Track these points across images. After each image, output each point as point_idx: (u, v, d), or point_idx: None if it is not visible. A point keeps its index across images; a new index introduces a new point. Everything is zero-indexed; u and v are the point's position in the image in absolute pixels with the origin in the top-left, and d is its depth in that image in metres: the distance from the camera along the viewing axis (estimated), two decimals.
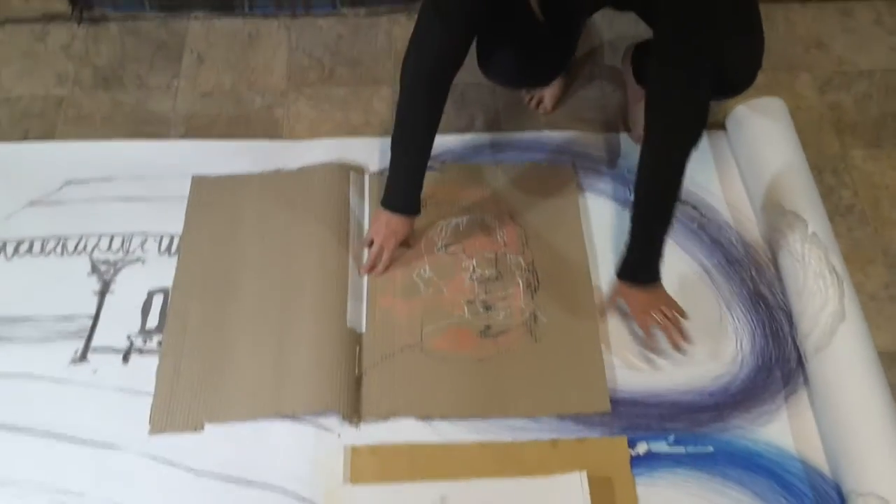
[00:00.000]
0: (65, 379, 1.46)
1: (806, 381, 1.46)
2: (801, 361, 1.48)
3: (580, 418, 1.43)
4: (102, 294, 1.56)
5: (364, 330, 1.52)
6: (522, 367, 1.48)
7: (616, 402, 1.45)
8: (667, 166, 1.39)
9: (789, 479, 1.37)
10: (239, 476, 1.36)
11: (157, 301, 1.56)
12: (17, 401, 1.43)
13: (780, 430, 1.42)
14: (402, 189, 1.55)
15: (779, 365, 1.49)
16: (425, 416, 1.42)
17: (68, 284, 1.57)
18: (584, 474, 1.32)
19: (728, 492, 1.35)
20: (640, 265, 1.48)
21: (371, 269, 1.59)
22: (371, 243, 1.60)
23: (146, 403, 1.43)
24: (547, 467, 1.36)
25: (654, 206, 1.43)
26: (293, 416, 1.41)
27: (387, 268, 1.59)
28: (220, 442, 1.39)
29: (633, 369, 1.48)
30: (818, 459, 1.39)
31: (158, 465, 1.37)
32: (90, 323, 1.53)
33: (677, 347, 1.49)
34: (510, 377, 1.46)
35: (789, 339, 1.52)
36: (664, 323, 1.47)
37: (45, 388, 1.45)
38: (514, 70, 1.63)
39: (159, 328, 1.52)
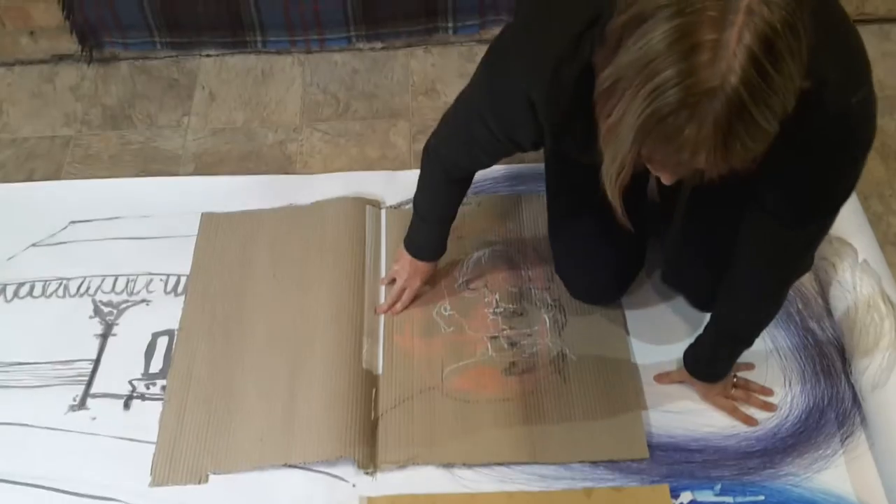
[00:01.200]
0: (62, 427, 1.37)
1: (863, 421, 1.34)
2: (856, 400, 1.36)
3: (615, 465, 1.32)
4: (104, 337, 1.48)
5: (381, 371, 1.43)
6: (551, 409, 1.37)
7: (654, 448, 1.33)
8: (772, 301, 1.22)
9: None
10: None
11: (162, 344, 1.47)
12: (11, 451, 1.35)
13: (837, 476, 1.29)
14: (428, 238, 1.45)
15: (832, 406, 1.37)
16: (447, 464, 1.31)
17: (69, 328, 1.49)
18: None
19: None
20: (715, 369, 1.34)
21: (389, 308, 1.49)
22: (392, 281, 1.51)
23: (148, 453, 1.34)
24: None
25: (748, 331, 1.28)
26: (304, 466, 1.30)
27: (406, 307, 1.50)
28: (226, 494, 1.29)
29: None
30: None
31: None
32: (91, 368, 1.44)
33: (768, 410, 1.37)
34: (538, 420, 1.36)
35: (842, 377, 1.40)
36: (740, 398, 1.37)
37: (41, 436, 1.36)
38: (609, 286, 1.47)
39: (163, 372, 1.43)
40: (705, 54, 0.69)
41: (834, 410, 1.37)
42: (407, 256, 1.47)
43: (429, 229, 1.43)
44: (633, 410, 1.37)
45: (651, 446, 1.33)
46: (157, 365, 1.44)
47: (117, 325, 1.50)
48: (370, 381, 1.40)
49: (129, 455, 1.33)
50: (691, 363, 1.36)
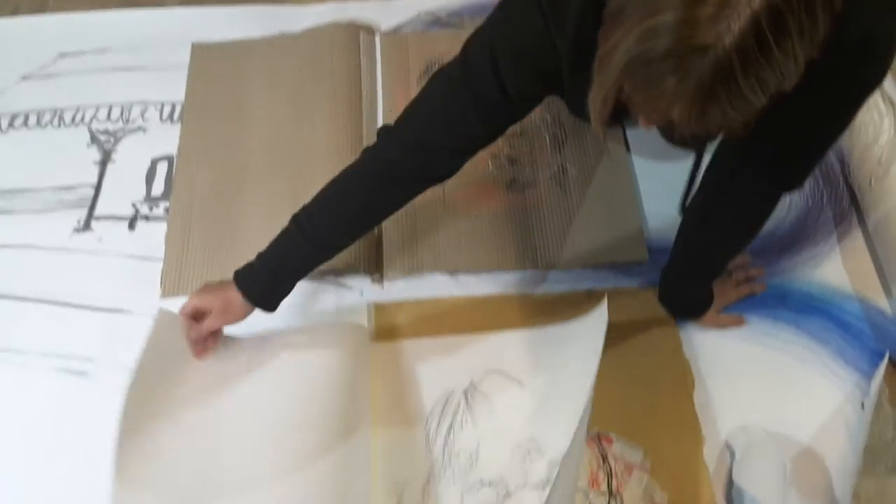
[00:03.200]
0: (68, 248, 1.38)
1: (861, 220, 1.36)
2: (854, 200, 1.38)
3: (617, 268, 1.34)
4: (103, 164, 1.47)
5: None
6: (552, 218, 1.38)
7: (653, 252, 1.35)
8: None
9: (846, 318, 1.28)
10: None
11: (162, 168, 1.47)
12: (18, 271, 1.35)
13: (833, 269, 1.33)
14: (275, 277, 1.12)
15: (830, 203, 1.39)
16: (451, 270, 1.34)
17: (67, 155, 1.48)
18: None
19: (780, 334, 1.26)
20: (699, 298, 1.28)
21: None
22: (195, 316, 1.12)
23: (156, 269, 1.35)
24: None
25: (720, 263, 1.25)
26: (312, 277, 1.32)
27: (203, 348, 1.15)
28: None
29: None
30: (877, 297, 1.29)
31: None
32: (92, 192, 1.44)
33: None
34: (540, 230, 1.37)
35: (841, 179, 1.41)
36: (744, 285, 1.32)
37: (48, 257, 1.37)
38: None
39: (165, 195, 1.43)
40: (709, 8, 0.65)
41: (832, 209, 1.39)
42: (230, 290, 1.10)
43: (299, 252, 1.10)
44: (633, 217, 1.38)
45: (651, 251, 1.35)
46: (158, 188, 1.44)
47: (115, 151, 1.49)
48: None
49: (138, 272, 1.35)
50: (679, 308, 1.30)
